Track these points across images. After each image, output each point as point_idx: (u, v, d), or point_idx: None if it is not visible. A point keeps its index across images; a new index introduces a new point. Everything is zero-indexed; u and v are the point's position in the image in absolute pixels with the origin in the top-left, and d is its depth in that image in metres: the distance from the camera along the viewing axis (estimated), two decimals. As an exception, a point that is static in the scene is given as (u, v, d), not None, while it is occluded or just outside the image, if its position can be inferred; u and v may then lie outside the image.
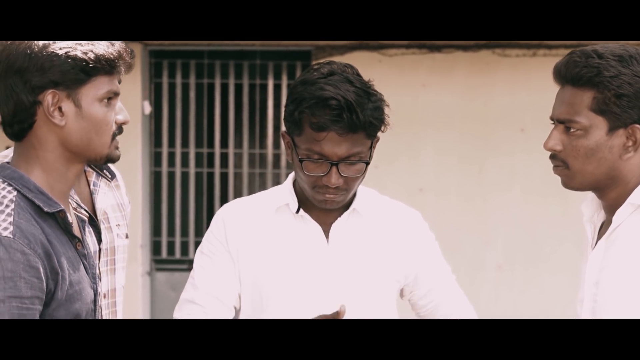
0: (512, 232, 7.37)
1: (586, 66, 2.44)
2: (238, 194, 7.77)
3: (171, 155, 7.83)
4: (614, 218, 2.47)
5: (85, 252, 2.32)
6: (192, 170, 7.84)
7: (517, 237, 7.36)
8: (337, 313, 2.56)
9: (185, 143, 7.82)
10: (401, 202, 2.91)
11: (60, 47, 2.21)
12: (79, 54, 2.22)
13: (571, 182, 2.51)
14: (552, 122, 2.53)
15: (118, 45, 2.28)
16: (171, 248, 7.86)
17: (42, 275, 2.15)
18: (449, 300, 2.90)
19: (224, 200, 7.68)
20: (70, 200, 2.36)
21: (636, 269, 2.42)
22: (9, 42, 2.24)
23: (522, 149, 7.26)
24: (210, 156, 7.86)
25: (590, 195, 2.59)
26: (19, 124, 2.24)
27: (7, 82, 2.22)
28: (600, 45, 2.48)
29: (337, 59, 6.96)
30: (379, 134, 2.71)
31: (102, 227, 2.84)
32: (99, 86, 2.25)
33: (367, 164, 2.68)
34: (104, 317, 2.81)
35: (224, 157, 7.85)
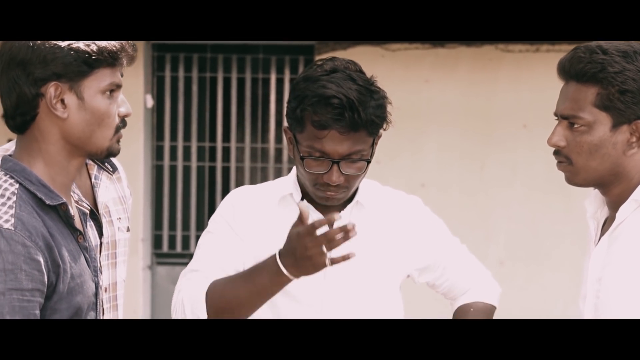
0: (514, 228, 7.36)
1: (590, 62, 2.44)
2: (240, 188, 7.76)
3: (173, 149, 7.82)
4: (618, 214, 2.47)
5: (87, 245, 2.32)
6: (194, 164, 7.84)
7: (519, 233, 7.35)
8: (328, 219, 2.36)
9: (187, 137, 7.81)
10: (402, 192, 2.90)
11: (62, 39, 2.21)
12: (82, 46, 2.21)
13: (575, 178, 2.51)
14: (556, 117, 2.52)
15: (121, 37, 2.28)
16: (172, 242, 7.86)
17: (43, 268, 2.15)
18: (463, 274, 2.94)
19: (226, 194, 7.64)
20: (72, 193, 2.36)
21: (639, 266, 2.42)
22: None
23: (525, 145, 7.25)
24: (212, 150, 7.85)
25: (593, 192, 2.59)
26: (21, 116, 2.23)
27: (9, 75, 2.21)
28: (605, 41, 2.47)
29: (340, 53, 6.99)
30: (381, 131, 2.70)
31: (104, 220, 2.83)
32: (102, 78, 2.24)
33: (369, 162, 2.68)
34: (105, 311, 2.81)
35: (226, 151, 7.85)
